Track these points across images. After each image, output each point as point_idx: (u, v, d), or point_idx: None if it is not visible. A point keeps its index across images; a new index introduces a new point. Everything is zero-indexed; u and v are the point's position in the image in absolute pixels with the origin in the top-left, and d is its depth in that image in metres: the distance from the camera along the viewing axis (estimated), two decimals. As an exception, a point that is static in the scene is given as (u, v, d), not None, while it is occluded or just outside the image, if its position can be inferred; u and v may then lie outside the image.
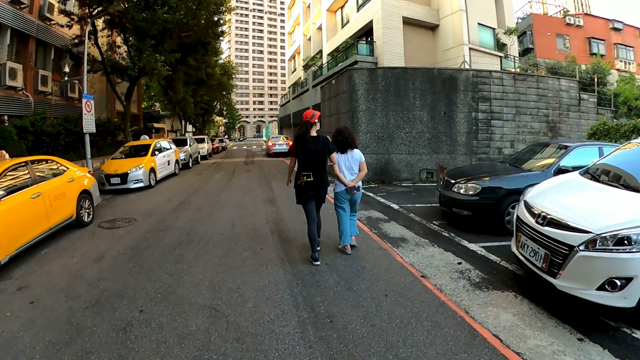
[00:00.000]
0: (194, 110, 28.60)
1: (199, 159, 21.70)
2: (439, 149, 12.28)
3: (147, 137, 15.30)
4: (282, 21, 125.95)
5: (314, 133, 4.70)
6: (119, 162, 12.36)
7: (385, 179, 11.94)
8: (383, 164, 11.93)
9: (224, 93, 40.95)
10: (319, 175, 4.66)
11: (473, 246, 5.44)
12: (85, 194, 7.67)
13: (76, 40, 16.41)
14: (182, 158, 17.77)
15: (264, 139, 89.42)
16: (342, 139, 5.01)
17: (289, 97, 34.46)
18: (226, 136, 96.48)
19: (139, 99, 33.18)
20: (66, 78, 17.84)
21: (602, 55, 28.37)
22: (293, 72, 42.10)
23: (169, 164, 14.53)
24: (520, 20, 32.04)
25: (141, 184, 11.84)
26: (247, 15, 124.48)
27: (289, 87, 41.69)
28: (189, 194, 10.66)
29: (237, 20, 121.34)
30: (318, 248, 4.86)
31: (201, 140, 25.65)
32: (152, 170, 12.66)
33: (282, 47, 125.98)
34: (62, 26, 16.77)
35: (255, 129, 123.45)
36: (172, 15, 15.45)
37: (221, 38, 26.09)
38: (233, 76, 38.35)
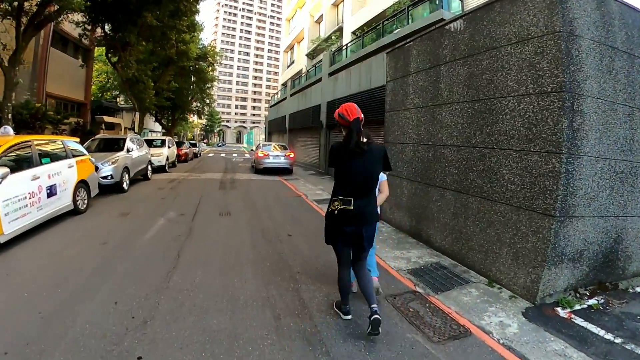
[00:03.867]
0: (154, 100, 20.33)
1: (149, 173, 13.59)
2: None
3: (11, 131, 7.25)
4: (272, 23, 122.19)
5: (364, 138, 3.01)
6: None
7: (607, 277, 4.28)
8: (611, 242, 4.23)
9: (203, 86, 32.73)
10: (365, 203, 3.07)
11: None
12: None
13: None
14: (106, 175, 9.76)
15: (245, 145, 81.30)
16: None
17: (285, 94, 26.61)
18: (205, 140, 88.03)
19: (88, 82, 24.77)
20: None
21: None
22: (289, 66, 34.50)
23: (50, 194, 6.49)
24: None
25: None
26: (235, 15, 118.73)
27: (283, 85, 33.99)
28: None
29: (224, 19, 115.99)
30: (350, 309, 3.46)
31: (160, 144, 17.49)
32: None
33: (270, 51, 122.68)
34: None
35: (236, 134, 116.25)
36: None
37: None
38: (215, 63, 30.19)
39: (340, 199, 3.06)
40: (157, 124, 34.04)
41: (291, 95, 24.22)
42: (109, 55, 18.29)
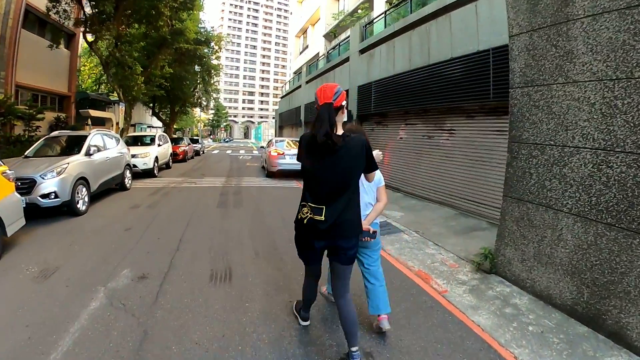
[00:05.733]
0: (144, 89, 16.89)
1: (128, 181, 10.31)
2: None
3: None
4: (279, 15, 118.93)
5: (340, 130, 2.42)
6: None
7: None
8: None
9: (207, 77, 29.40)
10: (339, 211, 2.38)
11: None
12: None
13: None
14: (47, 192, 6.52)
15: (253, 141, 77.47)
16: None
17: (299, 82, 23.14)
18: (212, 136, 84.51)
19: (72, 71, 21.57)
20: None
21: None
22: (303, 51, 30.98)
23: None
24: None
25: None
26: (241, 7, 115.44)
27: (295, 73, 30.57)
28: None
29: (230, 12, 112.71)
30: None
31: (149, 141, 14.23)
32: None
33: (278, 44, 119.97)
34: None
35: (244, 129, 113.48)
36: None
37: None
38: (219, 49, 26.73)
39: (311, 206, 2.41)
40: (155, 118, 30.69)
41: (307, 82, 20.68)
42: (86, 32, 14.97)
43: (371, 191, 3.03)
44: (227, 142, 74.70)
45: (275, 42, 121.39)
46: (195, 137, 30.89)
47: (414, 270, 4.69)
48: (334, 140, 2.25)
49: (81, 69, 29.07)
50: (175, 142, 19.47)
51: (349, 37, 14.93)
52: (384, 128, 11.38)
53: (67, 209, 6.91)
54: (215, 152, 33.42)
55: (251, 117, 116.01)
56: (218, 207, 7.99)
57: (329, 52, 18.46)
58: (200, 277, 4.13)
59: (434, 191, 8.76)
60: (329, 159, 2.32)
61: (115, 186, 9.72)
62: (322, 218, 2.35)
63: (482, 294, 3.99)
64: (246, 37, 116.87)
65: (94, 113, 21.25)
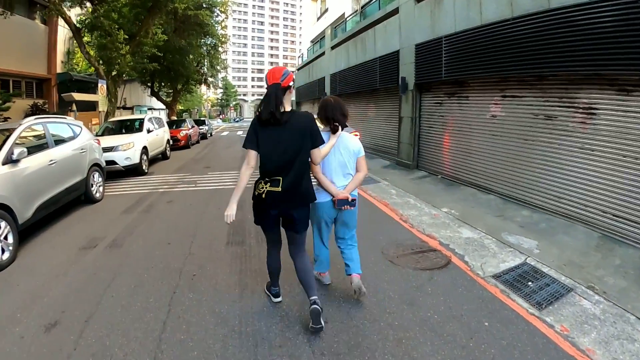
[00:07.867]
0: (130, 60, 13.32)
1: (97, 189, 7.16)
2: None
3: None
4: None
5: (288, 107, 2.62)
6: None
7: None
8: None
9: (212, 50, 25.98)
10: (295, 181, 2.61)
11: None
12: None
13: None
14: None
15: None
16: (330, 116, 2.92)
17: (323, 49, 19.39)
18: (221, 115, 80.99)
19: (51, 50, 18.11)
20: None
21: None
22: (321, 16, 27.08)
23: None
24: None
25: None
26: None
27: (312, 42, 26.86)
28: None
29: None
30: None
31: (138, 126, 11.04)
32: None
33: (286, 19, 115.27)
34: None
35: (254, 108, 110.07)
36: None
37: None
38: (225, 15, 23.09)
39: (268, 180, 2.58)
40: (154, 98, 27.34)
41: (333, 47, 17.03)
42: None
43: (351, 161, 2.99)
44: (237, 121, 71.23)
45: (284, 17, 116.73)
46: (201, 118, 27.56)
47: None
48: (277, 117, 2.46)
49: (75, 50, 25.73)
50: (176, 125, 16.22)
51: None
52: (461, 101, 7.95)
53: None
54: (225, 133, 30.08)
55: (261, 95, 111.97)
56: (228, 245, 4.73)
57: (364, 6, 14.70)
58: None
59: (556, 198, 5.49)
60: (276, 133, 2.53)
61: (81, 197, 6.62)
62: (279, 189, 2.53)
63: None
64: (253, 12, 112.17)
65: (79, 97, 17.88)
